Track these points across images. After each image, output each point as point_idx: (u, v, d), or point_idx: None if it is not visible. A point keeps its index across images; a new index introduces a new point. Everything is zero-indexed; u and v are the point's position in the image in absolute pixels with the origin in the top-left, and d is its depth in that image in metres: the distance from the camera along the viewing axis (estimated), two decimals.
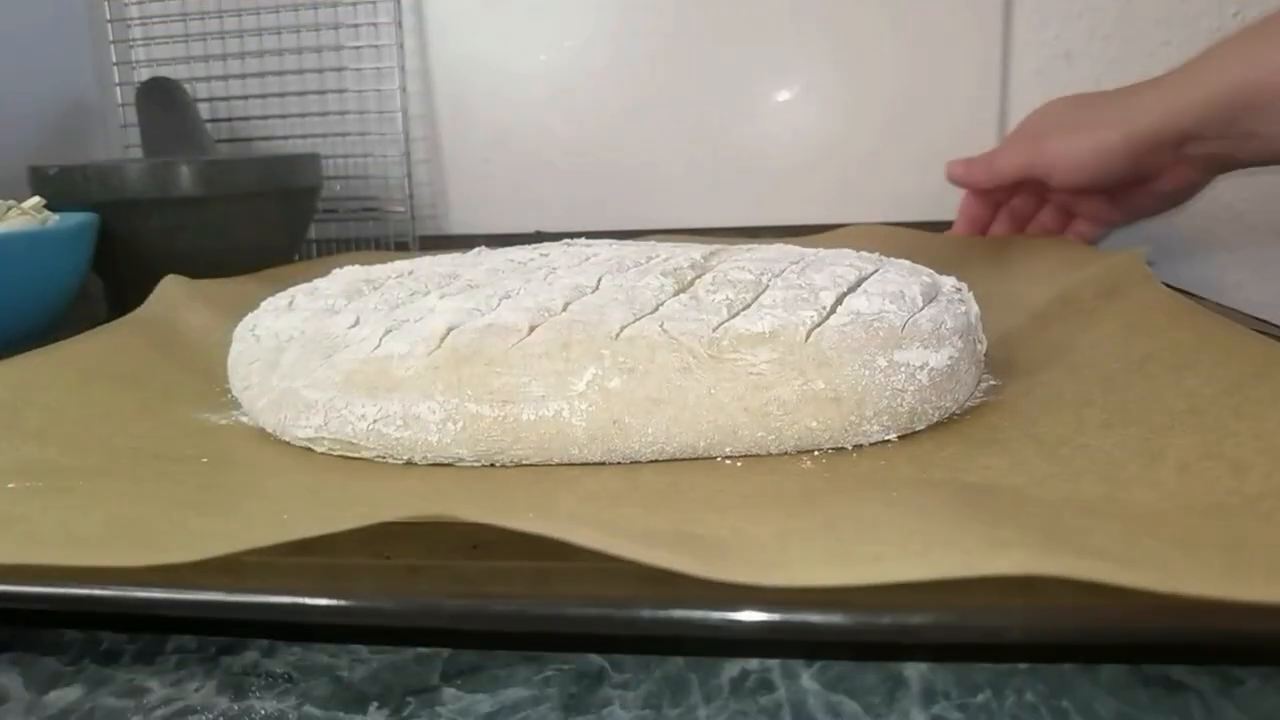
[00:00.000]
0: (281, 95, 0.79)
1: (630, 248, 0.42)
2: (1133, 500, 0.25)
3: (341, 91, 0.78)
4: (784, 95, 0.76)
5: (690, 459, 0.31)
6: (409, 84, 0.78)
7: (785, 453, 0.31)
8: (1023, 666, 0.22)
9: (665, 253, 0.40)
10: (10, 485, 0.27)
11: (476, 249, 0.45)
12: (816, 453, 0.31)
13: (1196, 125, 0.51)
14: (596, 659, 0.23)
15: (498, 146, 0.80)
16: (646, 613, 0.20)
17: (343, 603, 0.21)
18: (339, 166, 0.79)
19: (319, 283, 0.41)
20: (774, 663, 0.23)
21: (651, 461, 0.31)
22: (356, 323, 0.35)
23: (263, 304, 0.40)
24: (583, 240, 0.46)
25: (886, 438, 0.31)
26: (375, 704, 0.22)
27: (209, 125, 0.74)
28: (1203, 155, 0.53)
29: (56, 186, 0.58)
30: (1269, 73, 0.47)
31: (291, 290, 0.41)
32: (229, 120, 0.81)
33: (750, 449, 0.31)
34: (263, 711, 0.22)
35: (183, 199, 0.59)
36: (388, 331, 0.33)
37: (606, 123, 0.78)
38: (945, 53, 0.74)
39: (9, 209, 0.51)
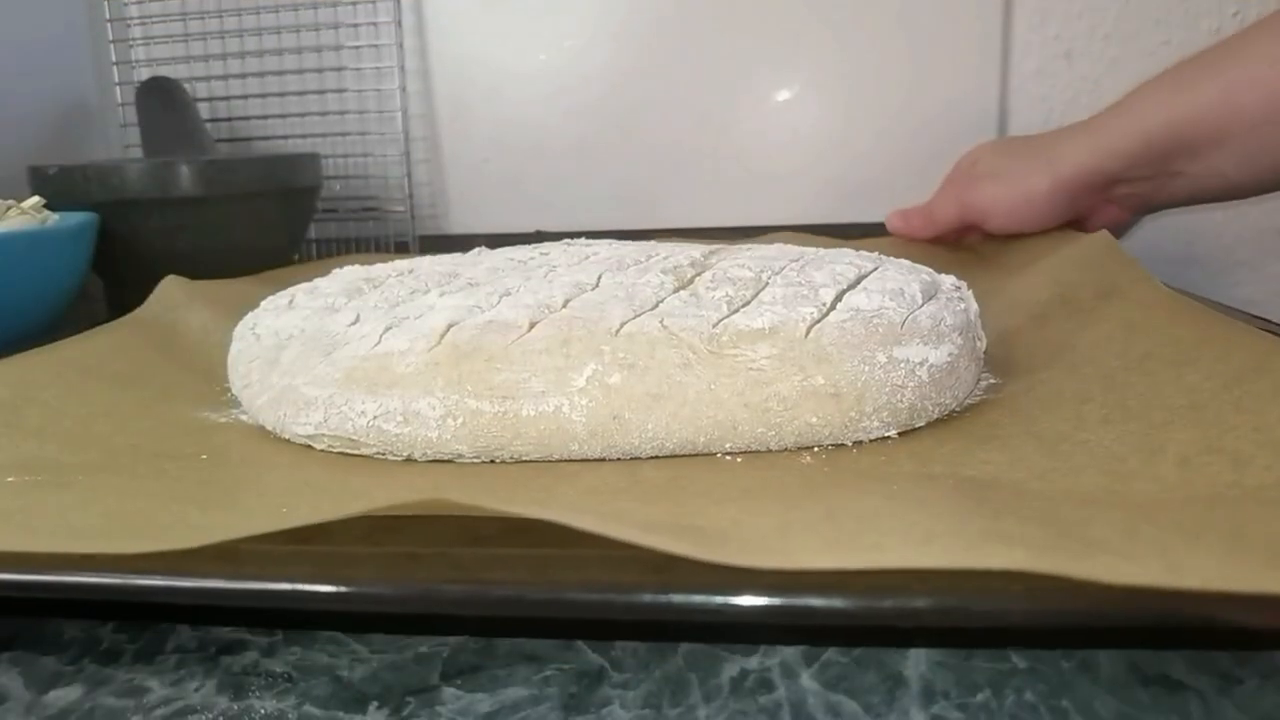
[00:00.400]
0: (281, 95, 0.79)
1: (630, 247, 0.42)
2: (1133, 493, 0.25)
3: (341, 91, 0.78)
4: (784, 95, 0.76)
5: (690, 455, 0.31)
6: (409, 84, 0.78)
7: (785, 448, 0.31)
8: (1022, 666, 0.22)
9: (665, 251, 0.40)
10: (10, 479, 0.27)
11: (476, 249, 0.45)
12: (816, 448, 0.31)
13: (1125, 167, 0.52)
14: (596, 658, 0.23)
15: (497, 146, 0.80)
16: (647, 597, 0.20)
17: (342, 589, 0.21)
18: (339, 166, 0.79)
19: (319, 282, 0.41)
20: (773, 662, 0.23)
21: (651, 457, 0.31)
22: (356, 320, 0.35)
23: (263, 303, 0.40)
24: (583, 240, 0.46)
25: (886, 434, 0.31)
26: (375, 704, 0.22)
27: (209, 125, 0.74)
28: (1129, 195, 0.54)
29: (56, 186, 0.58)
30: (1198, 111, 0.48)
31: (291, 289, 0.41)
32: (229, 120, 0.80)
33: (750, 445, 0.30)
34: (263, 711, 0.22)
35: (183, 199, 0.59)
36: (388, 328, 0.33)
37: (606, 123, 0.78)
38: (945, 53, 0.74)
39: (9, 209, 0.51)
